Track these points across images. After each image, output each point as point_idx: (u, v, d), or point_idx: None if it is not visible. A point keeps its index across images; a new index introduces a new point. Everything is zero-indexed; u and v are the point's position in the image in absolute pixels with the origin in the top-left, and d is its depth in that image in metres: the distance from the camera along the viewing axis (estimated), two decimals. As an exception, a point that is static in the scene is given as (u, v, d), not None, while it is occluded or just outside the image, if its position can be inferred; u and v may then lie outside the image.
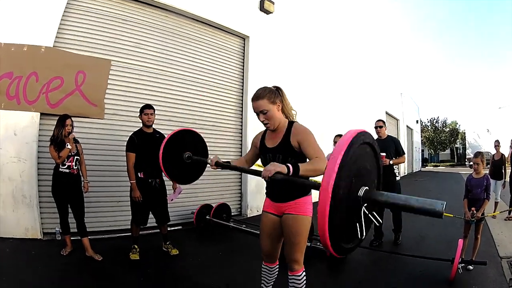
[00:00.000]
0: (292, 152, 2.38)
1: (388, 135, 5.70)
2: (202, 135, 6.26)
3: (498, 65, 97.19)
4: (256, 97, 2.42)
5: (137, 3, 5.74)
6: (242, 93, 7.43)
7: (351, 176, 1.66)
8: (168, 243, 4.58)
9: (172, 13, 6.19)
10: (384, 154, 5.17)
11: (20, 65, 4.54)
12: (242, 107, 7.43)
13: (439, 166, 40.51)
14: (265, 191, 2.63)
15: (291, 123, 2.50)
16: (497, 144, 7.77)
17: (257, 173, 2.23)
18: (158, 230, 4.67)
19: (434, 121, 49.51)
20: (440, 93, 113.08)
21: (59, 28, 4.83)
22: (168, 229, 4.73)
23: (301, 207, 2.45)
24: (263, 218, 2.64)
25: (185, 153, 3.14)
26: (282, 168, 2.08)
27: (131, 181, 4.21)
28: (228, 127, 7.13)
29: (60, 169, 4.11)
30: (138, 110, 4.41)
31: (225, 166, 2.61)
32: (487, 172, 4.40)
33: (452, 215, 5.24)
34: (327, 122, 9.89)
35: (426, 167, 36.84)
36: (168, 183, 4.52)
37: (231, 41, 7.32)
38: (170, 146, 3.16)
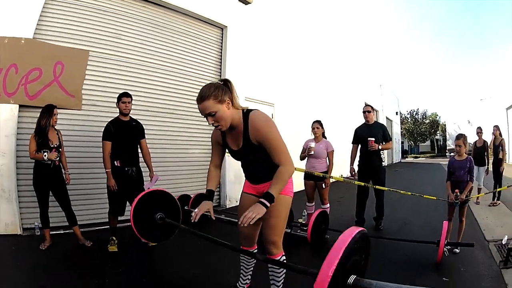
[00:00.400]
0: (259, 150, 2.20)
1: (375, 121, 5.74)
2: (179, 126, 6.59)
3: (479, 57, 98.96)
4: (201, 97, 2.11)
5: None
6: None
7: (343, 271, 1.68)
8: None
9: (151, 3, 6.19)
10: (373, 139, 5.24)
11: (0, 58, 4.48)
12: None
13: (419, 157, 41.20)
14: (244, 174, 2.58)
15: (246, 115, 2.23)
16: (479, 131, 7.84)
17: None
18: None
19: (414, 113, 50.15)
20: (420, 85, 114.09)
21: (39, 20, 4.78)
22: None
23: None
24: (242, 199, 2.58)
25: (157, 214, 3.04)
26: (261, 209, 2.01)
27: (106, 170, 4.16)
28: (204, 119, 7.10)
29: (41, 160, 4.08)
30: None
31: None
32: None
33: (435, 198, 5.33)
34: (306, 112, 9.98)
35: (406, 159, 37.52)
36: (145, 172, 4.49)
37: (210, 31, 7.33)
38: (141, 206, 3.05)
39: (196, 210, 2.25)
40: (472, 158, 4.40)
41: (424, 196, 5.31)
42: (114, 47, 5.66)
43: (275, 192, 2.07)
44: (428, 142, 50.52)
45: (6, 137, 4.50)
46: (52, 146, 4.10)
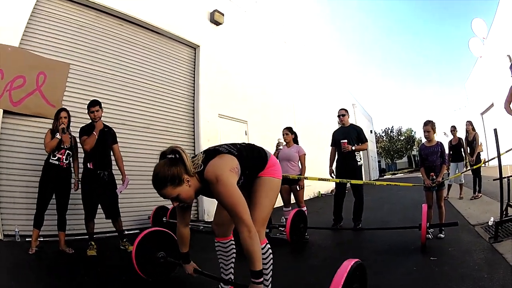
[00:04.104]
0: None
1: (351, 124, 5.87)
2: (154, 140, 6.71)
3: (450, 69, 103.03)
4: (157, 186, 1.92)
5: (95, 11, 5.92)
6: (194, 99, 7.65)
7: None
8: (125, 240, 4.46)
9: (127, 22, 6.42)
10: (345, 140, 5.37)
11: None
12: (193, 113, 7.60)
13: (397, 173, 41.70)
14: None
15: (201, 174, 2.01)
16: (453, 129, 8.02)
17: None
18: (116, 234, 4.55)
19: (389, 130, 50.66)
20: (393, 103, 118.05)
21: (25, 30, 4.91)
22: (126, 233, 4.69)
23: (268, 172, 2.26)
24: None
25: (158, 253, 3.06)
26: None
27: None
28: (180, 132, 7.21)
29: (50, 160, 4.11)
30: None
31: (203, 273, 2.49)
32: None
33: (411, 184, 5.43)
34: (279, 128, 10.08)
35: (384, 176, 37.95)
36: (118, 176, 4.51)
37: (183, 50, 7.61)
38: (143, 245, 3.08)
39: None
40: (441, 143, 4.47)
41: (400, 184, 5.49)
42: (92, 61, 5.78)
43: (257, 267, 1.90)
44: (405, 158, 50.74)
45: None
46: (62, 146, 4.16)
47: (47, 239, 4.51)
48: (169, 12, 7.07)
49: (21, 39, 4.85)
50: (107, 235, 5.12)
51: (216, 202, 2.19)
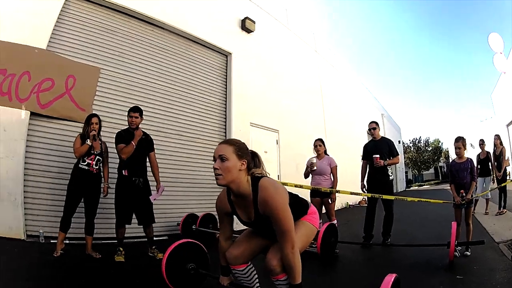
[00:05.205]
0: (271, 222, 2.00)
1: (382, 137, 5.78)
2: (187, 147, 6.73)
3: (477, 80, 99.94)
4: (225, 141, 2.09)
5: (125, 16, 5.98)
6: (226, 107, 7.63)
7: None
8: (154, 247, 4.43)
9: (158, 28, 6.47)
10: (378, 155, 5.28)
11: (14, 63, 4.60)
12: (225, 121, 7.58)
13: (423, 185, 40.66)
14: None
15: (255, 184, 2.04)
16: (481, 143, 7.89)
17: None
18: (146, 239, 4.52)
19: (416, 141, 49.55)
20: (421, 114, 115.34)
21: (52, 33, 4.98)
22: (154, 239, 4.60)
23: (309, 218, 2.32)
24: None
25: (188, 264, 3.03)
26: None
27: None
28: (213, 140, 7.14)
29: (79, 165, 4.14)
30: (124, 117, 4.53)
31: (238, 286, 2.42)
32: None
33: (441, 201, 5.32)
34: (310, 138, 10.00)
35: (411, 188, 37.06)
36: (152, 183, 4.49)
37: (215, 57, 7.61)
38: (173, 257, 3.06)
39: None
40: (471, 159, 4.45)
41: (431, 200, 5.42)
42: (123, 66, 5.85)
43: (297, 280, 1.99)
44: (432, 170, 49.72)
45: (15, 141, 4.52)
46: (92, 152, 4.17)
47: (73, 241, 4.53)
48: (201, 19, 7.11)
49: (49, 41, 4.92)
50: (135, 240, 5.11)
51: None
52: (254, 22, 8.37)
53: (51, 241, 4.34)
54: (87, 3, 5.52)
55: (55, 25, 5.02)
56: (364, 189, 5.60)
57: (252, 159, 2.12)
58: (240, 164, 2.00)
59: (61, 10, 5.10)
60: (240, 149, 2.03)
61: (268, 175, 2.16)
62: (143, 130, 4.47)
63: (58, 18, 5.06)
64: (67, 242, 4.33)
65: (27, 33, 4.70)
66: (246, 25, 8.16)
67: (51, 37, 4.97)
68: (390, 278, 2.07)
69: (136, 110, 4.34)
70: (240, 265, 2.32)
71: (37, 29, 4.82)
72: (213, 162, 2.03)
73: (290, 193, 2.19)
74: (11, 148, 4.50)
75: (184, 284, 3.01)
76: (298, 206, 2.26)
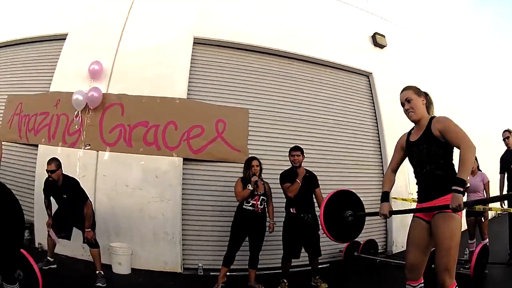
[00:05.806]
0: (435, 141, 2.40)
1: None
2: (348, 176, 6.48)
3: None
4: (404, 88, 2.66)
5: (256, 54, 6.10)
6: (377, 127, 7.14)
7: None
8: (317, 277, 4.63)
9: (294, 60, 6.40)
10: None
11: (155, 115, 5.10)
12: (379, 142, 7.08)
13: None
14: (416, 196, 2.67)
15: (432, 117, 2.55)
16: None
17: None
18: (309, 267, 4.77)
19: None
20: None
21: (189, 82, 5.40)
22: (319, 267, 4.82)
23: None
24: (411, 224, 2.59)
25: (346, 212, 3.10)
26: (458, 198, 2.12)
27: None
28: (368, 165, 6.84)
29: (243, 206, 4.37)
30: (279, 154, 5.02)
31: (397, 211, 2.79)
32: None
33: None
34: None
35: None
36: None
37: (356, 80, 7.22)
38: (330, 206, 3.17)
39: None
40: None
41: None
42: (267, 104, 5.97)
43: (464, 176, 2.16)
44: None
45: (170, 186, 5.03)
46: (256, 193, 4.37)
47: (234, 273, 4.70)
48: (332, 43, 6.83)
49: (188, 90, 5.33)
50: (296, 269, 5.08)
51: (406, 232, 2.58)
52: (383, 36, 7.66)
53: (211, 274, 4.73)
54: (212, 47, 5.81)
55: (189, 75, 5.43)
56: (503, 205, 5.31)
57: (426, 97, 2.63)
58: (421, 100, 2.58)
59: (191, 59, 5.49)
60: (417, 89, 2.61)
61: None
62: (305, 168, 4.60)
63: (190, 67, 5.46)
64: (228, 274, 4.54)
65: (164, 86, 5.23)
66: (377, 41, 7.52)
67: (188, 87, 5.39)
68: None
69: (297, 149, 4.56)
70: (416, 281, 2.49)
71: (174, 81, 5.30)
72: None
73: None
74: (166, 192, 5.02)
75: (343, 235, 3.27)
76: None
